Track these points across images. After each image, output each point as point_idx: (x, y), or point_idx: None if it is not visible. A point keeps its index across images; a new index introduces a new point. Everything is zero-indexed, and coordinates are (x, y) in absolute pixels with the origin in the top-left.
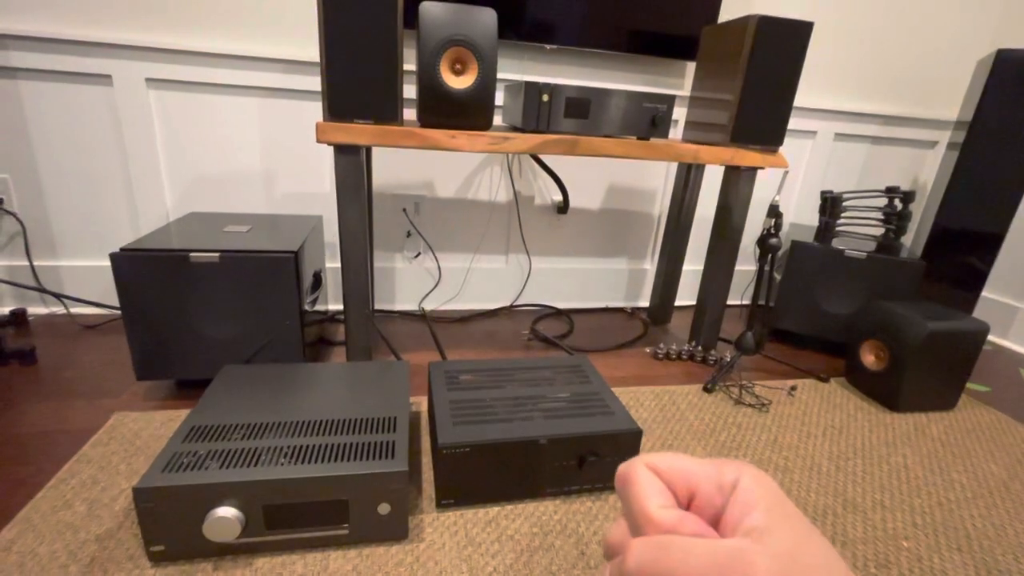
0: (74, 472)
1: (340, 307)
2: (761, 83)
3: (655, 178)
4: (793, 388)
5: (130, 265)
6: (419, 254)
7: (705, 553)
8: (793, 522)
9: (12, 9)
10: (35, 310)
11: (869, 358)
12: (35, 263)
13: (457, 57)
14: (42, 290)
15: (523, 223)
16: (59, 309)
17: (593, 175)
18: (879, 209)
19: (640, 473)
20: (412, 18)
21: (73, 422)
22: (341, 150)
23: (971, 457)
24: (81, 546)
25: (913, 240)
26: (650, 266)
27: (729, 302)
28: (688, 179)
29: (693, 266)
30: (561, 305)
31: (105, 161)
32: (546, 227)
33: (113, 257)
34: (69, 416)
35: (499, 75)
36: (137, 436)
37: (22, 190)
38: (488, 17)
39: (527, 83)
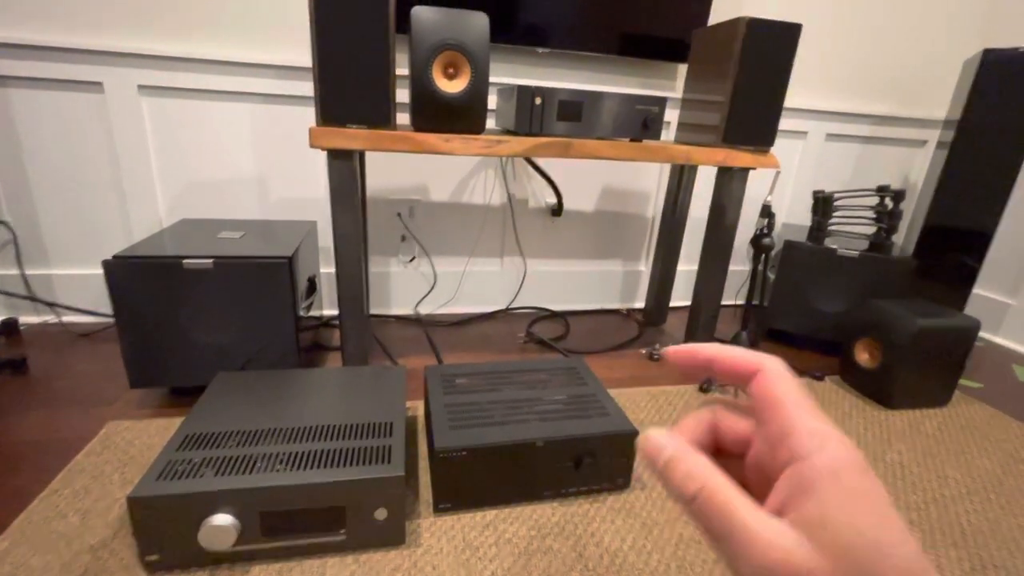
0: (67, 482)
1: (335, 312)
2: (752, 84)
3: (648, 180)
4: None
5: (123, 272)
6: (414, 258)
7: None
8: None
9: (2, 17)
10: (27, 319)
11: (863, 356)
12: (27, 272)
13: (449, 61)
14: (34, 299)
15: (518, 226)
16: (51, 318)
17: (587, 177)
18: (870, 208)
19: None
20: (404, 23)
21: (66, 431)
22: (334, 155)
23: (965, 453)
24: (75, 557)
25: (904, 238)
26: (645, 267)
27: (723, 302)
28: (681, 180)
29: (687, 267)
30: (556, 307)
31: (97, 168)
32: (541, 230)
33: (106, 264)
34: (62, 425)
35: (492, 79)
36: (131, 445)
37: (13, 198)
38: (480, 21)
39: (520, 86)
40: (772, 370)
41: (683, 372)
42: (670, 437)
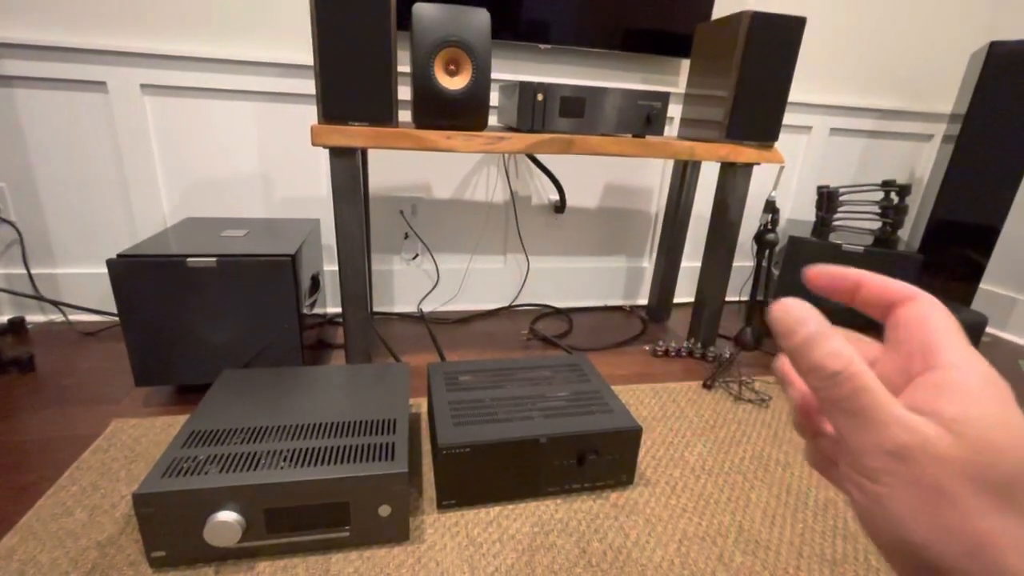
0: (74, 479)
1: (339, 310)
2: (755, 79)
3: (651, 176)
4: None
5: (128, 271)
6: (417, 256)
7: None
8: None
9: (6, 17)
10: (33, 318)
11: None
12: (32, 271)
13: (451, 58)
14: (40, 298)
15: (520, 223)
16: (57, 317)
17: (590, 174)
18: (876, 203)
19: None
20: (405, 20)
21: (73, 429)
22: (336, 153)
23: None
24: (82, 553)
25: (910, 233)
26: (648, 264)
27: (727, 298)
28: (684, 176)
29: (691, 263)
30: (560, 304)
31: (101, 168)
32: (543, 226)
33: (110, 263)
34: (69, 423)
35: (494, 75)
36: (137, 442)
37: (18, 198)
38: (481, 17)
39: (521, 83)
40: (928, 298)
41: (823, 293)
42: (813, 311)
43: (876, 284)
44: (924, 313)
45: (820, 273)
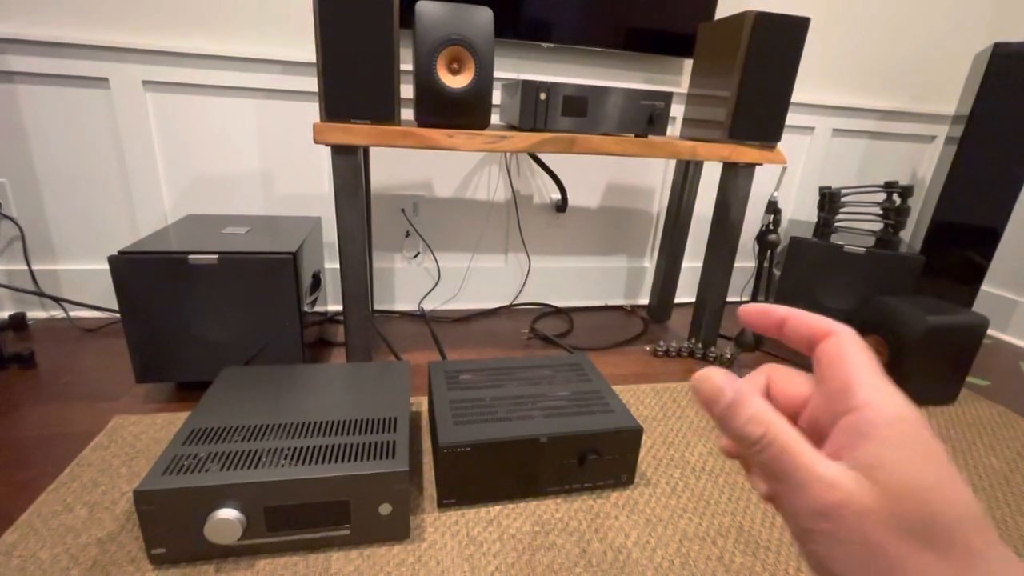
0: (75, 475)
1: (340, 308)
2: (758, 79)
3: (653, 176)
4: None
5: (129, 268)
6: (418, 254)
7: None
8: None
9: (8, 13)
10: (34, 314)
11: None
12: (34, 267)
13: (454, 56)
14: (41, 294)
15: (522, 222)
16: (58, 313)
17: (591, 173)
18: (878, 204)
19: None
20: (408, 18)
21: (73, 425)
22: (339, 151)
23: (972, 451)
24: (83, 549)
25: (912, 235)
26: (649, 264)
27: (728, 299)
28: (686, 176)
29: (692, 263)
30: (560, 304)
31: (103, 164)
32: (545, 226)
33: (112, 260)
34: (69, 420)
35: (496, 74)
36: (137, 439)
37: (20, 194)
38: (484, 16)
39: (524, 81)
40: (845, 333)
41: (755, 329)
42: (730, 379)
43: (798, 320)
44: (841, 348)
45: (749, 310)
